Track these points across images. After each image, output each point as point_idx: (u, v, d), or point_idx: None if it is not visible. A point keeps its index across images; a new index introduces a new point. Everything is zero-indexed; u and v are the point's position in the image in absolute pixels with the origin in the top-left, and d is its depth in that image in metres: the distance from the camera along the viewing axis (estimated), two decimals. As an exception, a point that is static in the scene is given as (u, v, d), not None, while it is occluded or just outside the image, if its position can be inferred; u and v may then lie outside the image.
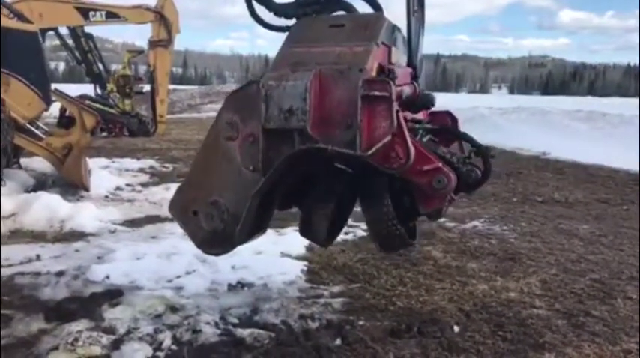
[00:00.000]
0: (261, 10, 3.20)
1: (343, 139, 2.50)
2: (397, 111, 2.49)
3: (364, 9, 3.15)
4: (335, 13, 3.12)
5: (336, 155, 2.52)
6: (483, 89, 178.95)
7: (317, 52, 2.73)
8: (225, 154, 2.79)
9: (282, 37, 3.12)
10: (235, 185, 2.76)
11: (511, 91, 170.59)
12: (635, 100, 42.10)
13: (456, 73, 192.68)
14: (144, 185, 8.65)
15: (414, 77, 3.16)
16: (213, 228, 2.84)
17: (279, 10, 3.12)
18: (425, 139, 3.08)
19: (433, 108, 3.36)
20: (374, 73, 2.61)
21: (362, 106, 2.46)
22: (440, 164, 2.62)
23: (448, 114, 3.49)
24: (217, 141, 2.81)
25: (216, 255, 3.07)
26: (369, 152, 2.45)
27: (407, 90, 2.88)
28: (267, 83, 2.58)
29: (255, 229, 2.83)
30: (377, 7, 3.12)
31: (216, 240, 2.86)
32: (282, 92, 2.53)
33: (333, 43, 2.74)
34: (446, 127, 3.40)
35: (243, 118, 2.72)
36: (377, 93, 2.46)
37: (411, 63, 3.19)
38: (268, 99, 2.55)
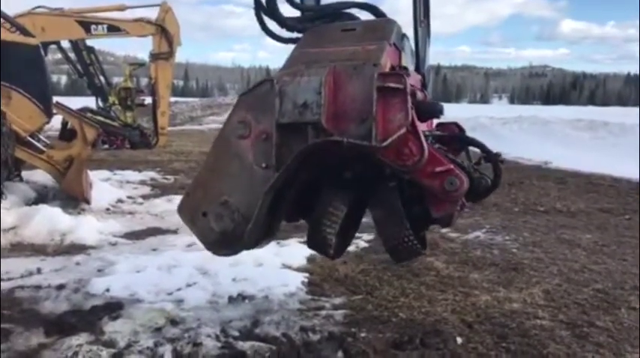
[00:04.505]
0: (270, 23, 3.21)
1: (358, 133, 2.48)
2: (411, 107, 2.48)
3: None
4: None
5: (351, 149, 2.48)
6: (484, 99, 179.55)
7: (330, 51, 2.73)
8: (236, 153, 2.75)
9: (286, 47, 3.13)
10: (247, 184, 2.72)
11: (512, 101, 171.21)
12: (635, 109, 42.11)
13: (456, 83, 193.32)
14: (145, 197, 8.65)
15: (423, 85, 3.17)
16: (223, 228, 2.79)
17: (288, 24, 3.13)
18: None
19: (440, 119, 3.34)
20: (387, 70, 2.61)
21: (377, 99, 2.46)
22: (452, 165, 2.60)
23: (456, 124, 3.47)
24: (229, 140, 2.77)
25: (226, 255, 3.04)
26: (385, 143, 2.43)
27: (419, 94, 2.86)
28: (282, 79, 2.57)
29: (264, 233, 2.80)
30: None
31: (225, 240, 2.81)
32: (296, 87, 2.53)
33: (346, 44, 2.75)
34: (455, 134, 3.37)
35: (256, 116, 2.69)
36: (392, 84, 2.46)
37: (419, 71, 3.19)
38: (283, 95, 2.55)
